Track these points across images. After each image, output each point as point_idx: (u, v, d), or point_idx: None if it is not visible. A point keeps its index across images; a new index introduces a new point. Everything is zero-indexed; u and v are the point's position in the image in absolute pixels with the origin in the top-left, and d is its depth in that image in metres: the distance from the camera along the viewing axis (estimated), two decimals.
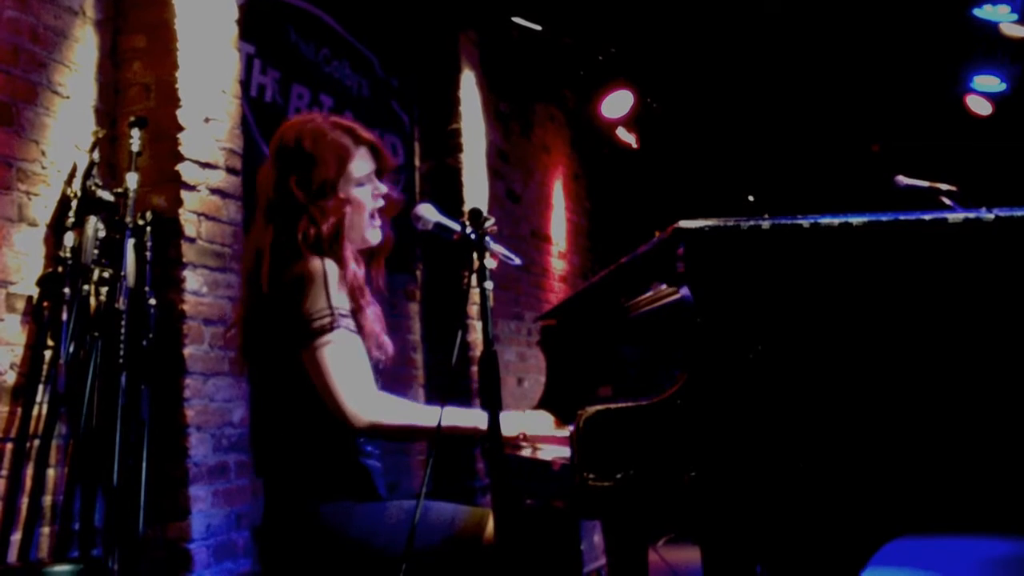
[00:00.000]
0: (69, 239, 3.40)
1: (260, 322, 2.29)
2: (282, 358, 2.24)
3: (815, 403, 1.95)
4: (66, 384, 3.30)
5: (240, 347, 2.40)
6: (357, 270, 2.32)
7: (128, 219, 3.49)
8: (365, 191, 2.41)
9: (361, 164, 2.41)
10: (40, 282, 3.35)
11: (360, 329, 2.27)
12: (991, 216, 2.07)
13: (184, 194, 3.73)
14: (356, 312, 2.27)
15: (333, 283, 2.21)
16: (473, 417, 2.26)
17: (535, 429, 2.46)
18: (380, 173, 2.46)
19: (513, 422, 2.42)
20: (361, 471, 2.29)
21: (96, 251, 3.46)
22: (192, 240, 3.75)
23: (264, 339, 2.29)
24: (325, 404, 2.19)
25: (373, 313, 2.33)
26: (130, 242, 3.49)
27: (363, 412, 2.18)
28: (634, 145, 7.92)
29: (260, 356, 2.33)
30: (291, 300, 2.20)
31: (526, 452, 2.44)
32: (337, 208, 2.34)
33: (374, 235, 2.44)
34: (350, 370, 2.19)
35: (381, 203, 2.44)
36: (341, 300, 2.22)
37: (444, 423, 2.19)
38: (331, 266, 2.23)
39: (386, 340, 2.36)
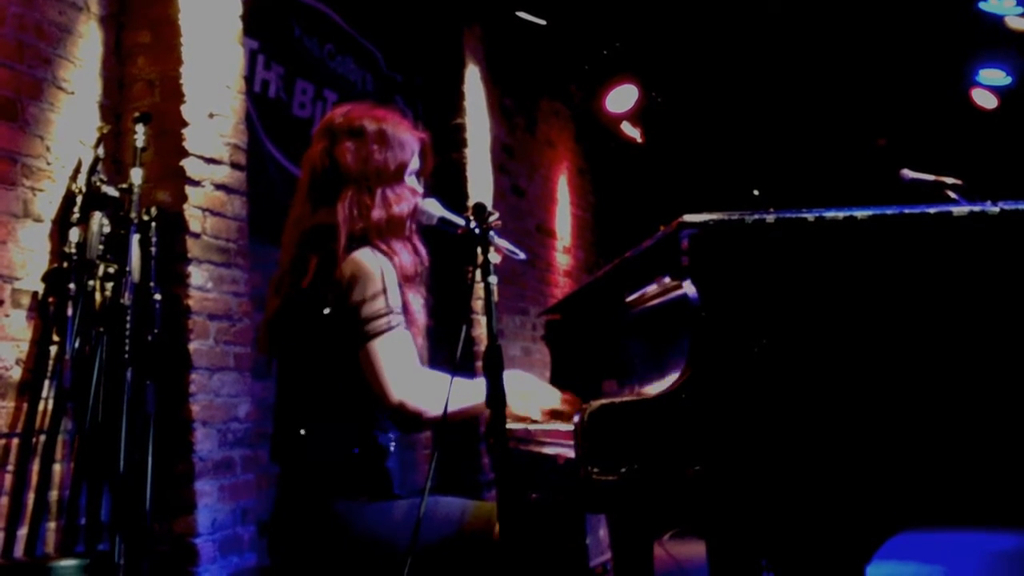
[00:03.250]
0: (74, 235, 3.40)
1: (304, 310, 2.28)
2: (325, 350, 2.25)
3: (820, 397, 1.94)
4: (72, 379, 3.31)
5: (266, 332, 2.39)
6: (416, 256, 2.35)
7: (133, 215, 3.49)
8: (414, 182, 2.44)
9: (416, 158, 2.45)
10: (45, 278, 3.36)
11: (408, 320, 2.28)
12: (996, 209, 2.07)
13: (189, 189, 3.73)
14: (404, 302, 2.28)
15: (390, 281, 2.23)
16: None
17: (539, 397, 2.46)
18: (419, 173, 2.47)
19: (521, 383, 2.44)
20: (384, 473, 2.29)
21: (101, 247, 3.46)
22: (197, 236, 3.75)
23: (306, 328, 2.28)
24: (372, 399, 2.21)
25: (416, 304, 2.34)
26: (135, 238, 3.49)
27: (414, 403, 2.20)
28: (639, 139, 7.92)
29: (297, 345, 2.32)
30: (345, 295, 2.21)
31: (532, 447, 2.45)
32: (410, 197, 2.37)
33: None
34: (403, 365, 2.21)
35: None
36: (396, 297, 2.24)
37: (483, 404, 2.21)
38: (385, 263, 2.25)
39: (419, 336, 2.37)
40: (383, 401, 2.20)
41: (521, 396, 2.44)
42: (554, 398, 2.49)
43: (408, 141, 2.41)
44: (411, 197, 2.38)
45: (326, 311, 2.23)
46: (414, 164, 2.43)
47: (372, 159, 2.34)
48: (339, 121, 2.41)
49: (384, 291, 2.21)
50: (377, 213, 2.30)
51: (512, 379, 2.29)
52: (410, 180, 2.42)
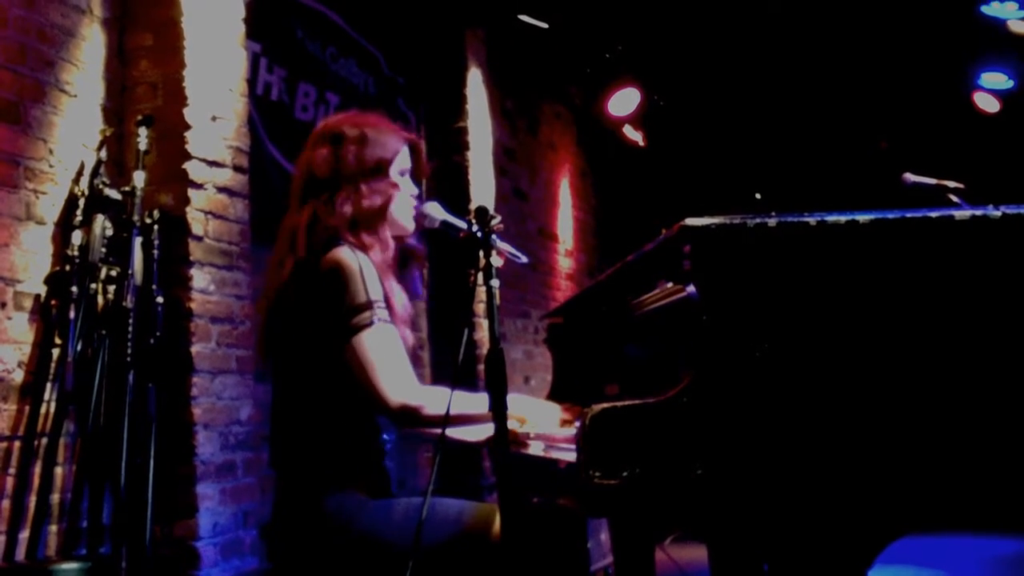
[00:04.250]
0: (77, 237, 3.41)
1: (288, 311, 2.29)
2: (313, 350, 2.25)
3: (822, 401, 1.94)
4: (74, 382, 3.31)
5: (261, 335, 2.39)
6: (388, 252, 2.35)
7: (135, 217, 3.49)
8: (406, 181, 2.45)
9: (404, 157, 2.46)
10: (48, 280, 3.36)
11: (391, 314, 2.28)
12: (998, 213, 2.06)
13: (191, 192, 3.74)
14: (387, 296, 2.28)
15: (370, 275, 2.23)
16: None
17: (540, 418, 2.46)
18: (414, 175, 2.48)
19: (520, 406, 2.43)
20: (382, 472, 2.30)
21: (103, 249, 3.46)
22: (199, 238, 3.76)
23: (292, 329, 2.29)
24: (362, 396, 2.20)
25: (399, 299, 2.35)
26: (137, 240, 3.49)
27: (402, 397, 2.19)
28: (641, 142, 7.92)
29: (286, 347, 2.32)
30: (326, 293, 2.21)
31: (533, 450, 2.44)
32: (386, 190, 2.38)
33: (409, 223, 2.45)
34: (390, 359, 2.20)
35: (415, 202, 2.47)
36: (377, 292, 2.24)
37: (477, 411, 2.20)
38: (364, 258, 2.25)
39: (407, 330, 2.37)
40: (375, 398, 2.19)
41: (521, 421, 2.44)
42: (555, 418, 2.49)
43: (391, 141, 2.43)
44: (388, 190, 2.39)
45: (308, 310, 2.24)
46: (402, 163, 2.44)
47: (347, 160, 2.36)
48: (321, 128, 2.46)
49: (364, 286, 2.21)
50: (347, 209, 2.32)
51: (513, 403, 2.27)
52: (401, 180, 2.43)
